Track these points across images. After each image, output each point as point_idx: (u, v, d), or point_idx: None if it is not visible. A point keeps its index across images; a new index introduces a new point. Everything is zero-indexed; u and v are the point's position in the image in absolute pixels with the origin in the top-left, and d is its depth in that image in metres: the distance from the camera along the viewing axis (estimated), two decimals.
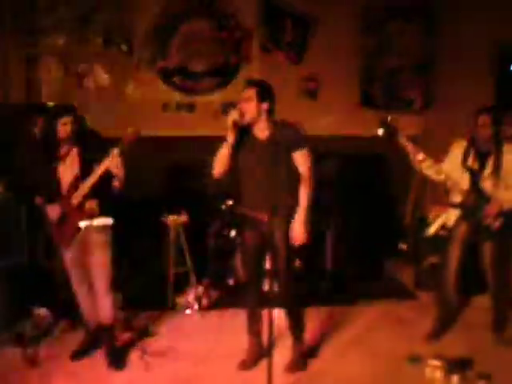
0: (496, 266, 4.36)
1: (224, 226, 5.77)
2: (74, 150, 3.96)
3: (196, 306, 5.10)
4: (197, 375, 4.00)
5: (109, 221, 4.07)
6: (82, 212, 3.92)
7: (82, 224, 3.96)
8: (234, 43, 6.59)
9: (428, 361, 3.99)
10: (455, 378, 3.81)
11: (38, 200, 4.13)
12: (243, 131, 3.81)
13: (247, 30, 6.58)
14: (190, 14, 6.49)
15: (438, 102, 6.84)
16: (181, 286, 5.35)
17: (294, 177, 3.82)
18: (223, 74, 6.64)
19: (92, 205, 3.92)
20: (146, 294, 5.38)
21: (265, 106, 3.75)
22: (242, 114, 3.70)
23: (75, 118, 3.89)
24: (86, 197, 3.89)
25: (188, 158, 6.32)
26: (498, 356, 4.24)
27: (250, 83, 3.84)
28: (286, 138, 3.75)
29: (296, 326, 4.13)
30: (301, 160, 3.79)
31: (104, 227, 4.05)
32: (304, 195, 3.81)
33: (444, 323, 4.65)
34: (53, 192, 3.99)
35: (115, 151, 3.74)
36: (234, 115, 3.68)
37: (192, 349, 4.38)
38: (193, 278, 5.27)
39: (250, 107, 3.72)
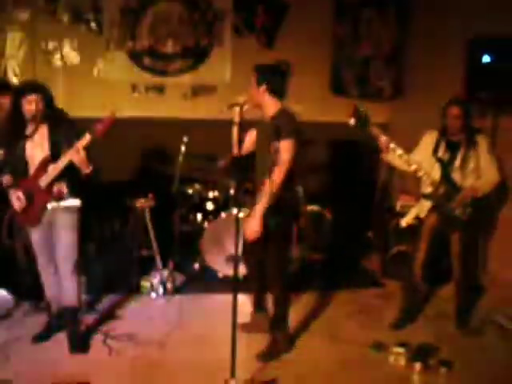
0: (462, 255, 4.43)
1: (191, 210, 5.73)
2: (44, 129, 3.87)
3: (161, 290, 5.06)
4: (159, 360, 3.97)
5: (76, 202, 4.00)
6: (49, 193, 3.86)
7: (49, 205, 3.90)
8: (205, 25, 6.50)
9: (391, 348, 4.04)
10: (417, 365, 3.87)
11: (6, 179, 3.97)
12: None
13: (219, 12, 6.50)
14: None
15: (407, 91, 6.85)
16: (146, 270, 5.28)
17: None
18: (194, 56, 6.57)
19: (60, 187, 3.87)
20: (111, 276, 5.30)
21: (262, 89, 3.90)
22: (248, 99, 3.87)
23: (43, 97, 3.77)
24: (55, 178, 3.82)
25: (157, 140, 6.25)
26: (461, 345, 4.31)
27: (253, 69, 3.98)
28: (280, 124, 3.83)
29: (276, 313, 4.16)
30: (282, 149, 3.78)
31: (71, 209, 3.98)
32: (268, 185, 3.78)
33: (409, 312, 4.69)
34: (20, 171, 3.90)
35: (82, 143, 3.68)
36: (236, 99, 3.81)
37: (155, 334, 4.34)
38: (158, 262, 5.22)
39: (252, 92, 3.93)
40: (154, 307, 4.89)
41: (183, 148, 5.38)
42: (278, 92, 3.95)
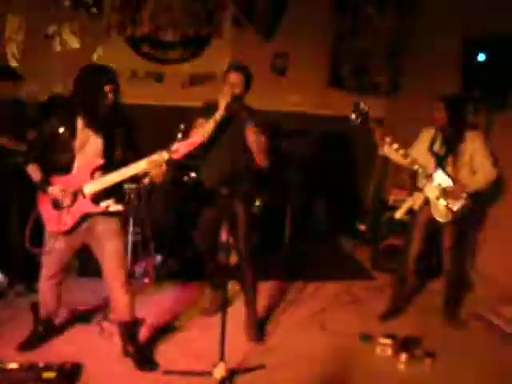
0: (452, 249, 4.49)
1: (185, 198, 5.76)
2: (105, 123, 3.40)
3: (153, 276, 5.09)
4: (148, 342, 4.02)
5: (118, 207, 3.55)
6: (91, 204, 3.43)
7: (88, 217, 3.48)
8: (206, 15, 6.51)
9: (378, 339, 4.10)
10: (403, 356, 3.92)
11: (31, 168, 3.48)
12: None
13: (220, 3, 6.50)
14: None
15: (404, 86, 6.88)
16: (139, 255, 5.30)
17: (252, 158, 4.00)
18: (194, 45, 6.58)
19: (108, 204, 3.49)
20: None
21: (247, 92, 4.03)
22: (232, 96, 3.89)
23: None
24: (102, 191, 3.42)
25: (154, 127, 6.26)
26: (447, 336, 4.39)
27: (238, 69, 4.03)
28: (250, 119, 3.94)
29: (252, 298, 4.25)
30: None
31: (113, 214, 3.53)
32: None
33: (398, 304, 4.76)
34: (63, 164, 3.41)
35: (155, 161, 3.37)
36: (226, 97, 3.86)
37: (147, 317, 4.36)
38: (151, 248, 5.24)
39: (238, 91, 3.95)
40: (145, 292, 4.89)
41: (180, 135, 5.39)
42: None
